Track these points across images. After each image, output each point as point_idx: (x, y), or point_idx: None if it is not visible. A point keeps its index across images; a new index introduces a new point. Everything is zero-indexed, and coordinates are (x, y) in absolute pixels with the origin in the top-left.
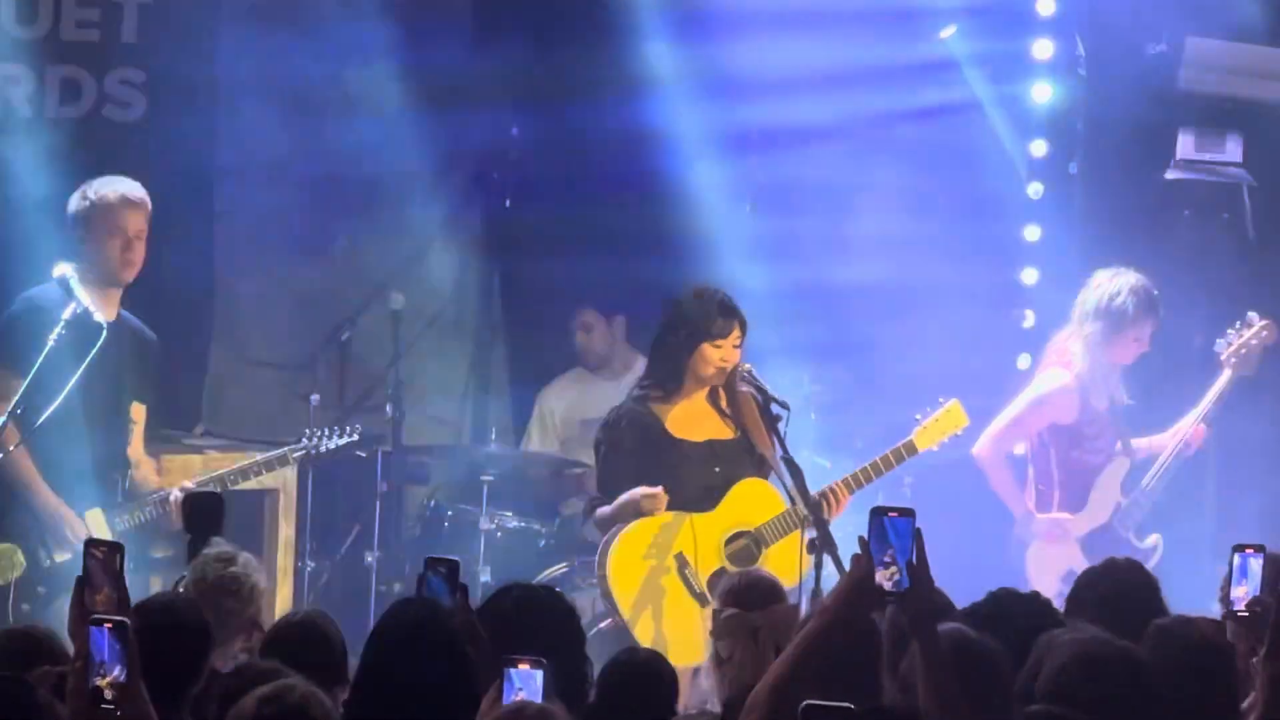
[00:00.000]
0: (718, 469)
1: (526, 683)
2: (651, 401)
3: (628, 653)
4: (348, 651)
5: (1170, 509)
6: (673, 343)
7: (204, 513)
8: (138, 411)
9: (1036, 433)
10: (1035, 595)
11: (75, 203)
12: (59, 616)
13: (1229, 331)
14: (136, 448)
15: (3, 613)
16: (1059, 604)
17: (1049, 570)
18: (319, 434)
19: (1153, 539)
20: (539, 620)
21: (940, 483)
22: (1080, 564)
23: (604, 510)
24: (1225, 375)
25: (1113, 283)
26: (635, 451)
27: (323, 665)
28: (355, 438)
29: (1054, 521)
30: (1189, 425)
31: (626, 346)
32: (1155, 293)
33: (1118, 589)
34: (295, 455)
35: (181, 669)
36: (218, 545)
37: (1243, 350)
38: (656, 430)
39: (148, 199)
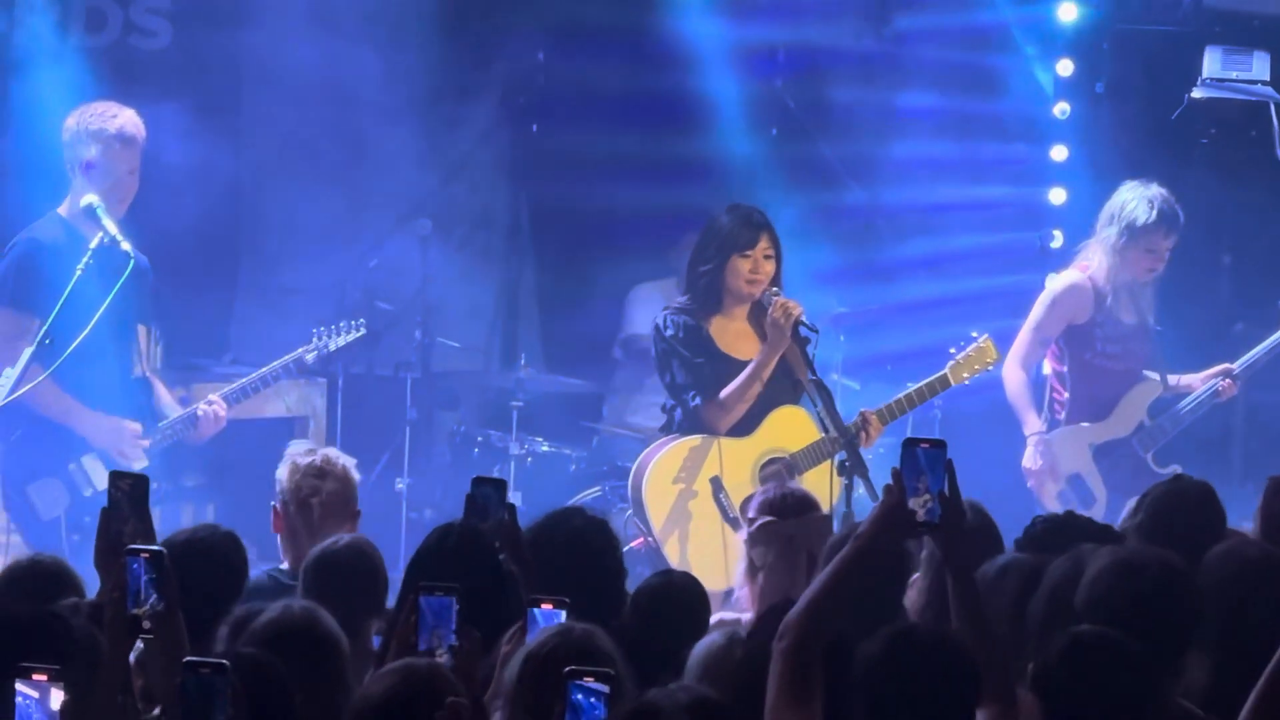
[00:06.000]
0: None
1: (551, 622)
2: (694, 316)
3: (663, 575)
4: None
5: (1196, 437)
6: (705, 260)
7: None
8: (141, 334)
9: (1056, 339)
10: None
11: (70, 131)
12: None
13: None
14: (144, 369)
15: (57, 545)
16: (1056, 504)
17: (1053, 469)
18: (326, 332)
19: (1172, 468)
20: (585, 552)
21: (970, 409)
22: (1089, 471)
23: (723, 393)
24: None
25: (1133, 191)
26: (693, 359)
27: (365, 593)
28: (362, 331)
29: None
30: (1229, 368)
31: None
32: (1176, 208)
33: (1185, 508)
34: (309, 355)
35: (217, 602)
36: (301, 444)
37: None
38: (707, 343)
39: (141, 130)
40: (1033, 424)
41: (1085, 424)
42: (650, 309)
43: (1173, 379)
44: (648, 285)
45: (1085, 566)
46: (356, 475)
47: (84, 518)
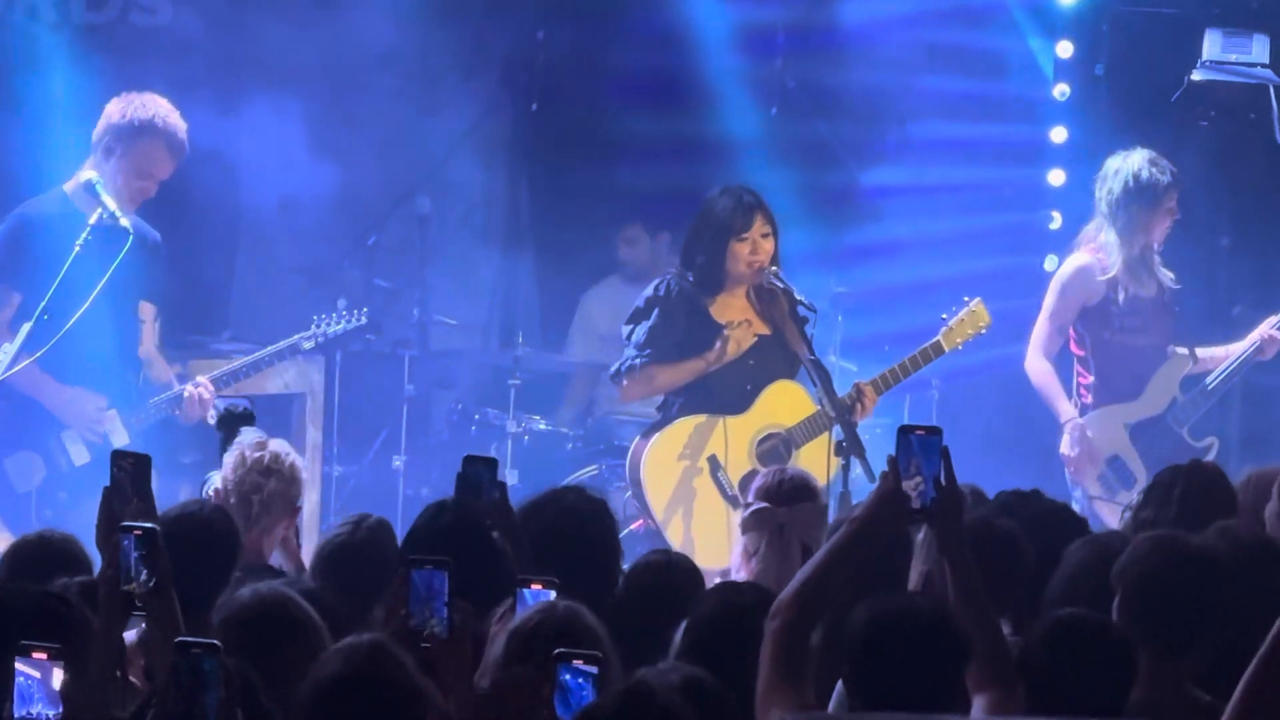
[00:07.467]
0: (753, 362)
1: (540, 602)
2: (695, 287)
3: (659, 554)
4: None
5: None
6: (701, 249)
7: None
8: (146, 310)
9: (1073, 324)
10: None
11: (116, 117)
12: (83, 521)
13: None
14: (148, 346)
15: (27, 520)
16: (1098, 488)
17: (1090, 454)
18: (327, 319)
19: (1209, 440)
20: (579, 529)
21: (966, 386)
22: (1127, 451)
23: (658, 368)
24: None
25: (1129, 163)
26: (681, 326)
27: (379, 581)
28: (363, 320)
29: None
30: (1265, 329)
31: (670, 261)
32: (1165, 160)
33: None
34: (307, 343)
35: (209, 578)
36: (252, 433)
37: None
38: (702, 311)
39: (185, 141)
40: (1066, 410)
41: (1118, 405)
42: (593, 316)
43: (1202, 352)
44: (592, 291)
45: (1105, 552)
46: (303, 467)
47: (59, 492)
